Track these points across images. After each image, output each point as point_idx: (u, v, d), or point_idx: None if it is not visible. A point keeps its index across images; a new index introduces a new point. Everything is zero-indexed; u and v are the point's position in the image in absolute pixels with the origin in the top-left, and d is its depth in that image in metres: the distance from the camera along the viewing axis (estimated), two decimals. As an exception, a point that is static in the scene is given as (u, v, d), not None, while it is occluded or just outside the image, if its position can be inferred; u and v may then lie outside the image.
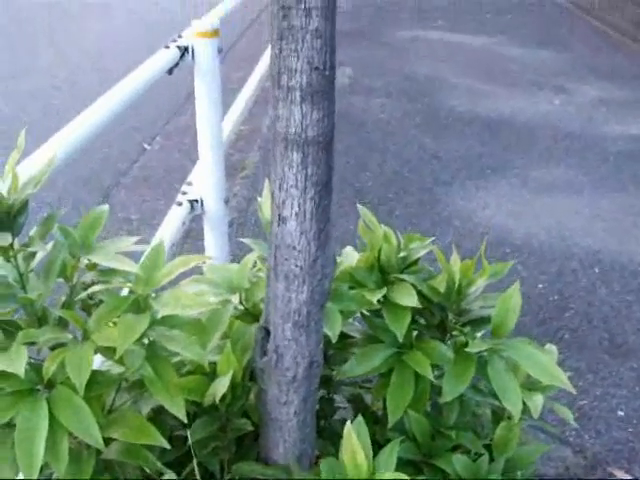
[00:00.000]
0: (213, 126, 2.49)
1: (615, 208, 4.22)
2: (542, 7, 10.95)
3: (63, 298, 1.42)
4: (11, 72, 7.68)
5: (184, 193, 2.66)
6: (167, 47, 2.31)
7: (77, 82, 7.16)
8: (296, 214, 1.22)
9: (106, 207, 1.49)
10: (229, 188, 4.15)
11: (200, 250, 3.07)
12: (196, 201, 2.60)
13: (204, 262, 1.61)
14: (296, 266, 1.27)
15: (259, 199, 1.63)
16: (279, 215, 1.24)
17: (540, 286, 3.39)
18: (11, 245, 1.28)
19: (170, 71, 2.30)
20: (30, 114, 6.14)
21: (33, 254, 1.37)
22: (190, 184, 2.71)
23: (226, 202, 2.69)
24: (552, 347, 1.72)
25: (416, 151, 4.85)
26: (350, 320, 1.63)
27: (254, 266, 1.68)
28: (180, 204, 2.59)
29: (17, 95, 6.83)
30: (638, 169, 4.79)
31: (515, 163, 4.73)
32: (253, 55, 7.15)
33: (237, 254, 3.31)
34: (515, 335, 1.49)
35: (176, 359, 1.41)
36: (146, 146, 5.29)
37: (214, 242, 2.74)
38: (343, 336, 1.57)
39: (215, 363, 1.41)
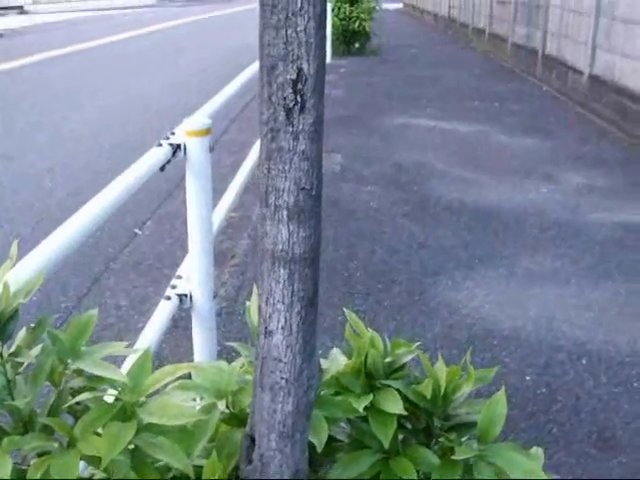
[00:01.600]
0: (203, 221, 2.52)
1: (602, 298, 4.24)
2: (528, 95, 11.22)
3: (51, 401, 1.43)
4: (6, 152, 7.78)
5: (173, 287, 2.67)
6: (160, 145, 2.36)
7: (70, 165, 7.26)
8: (282, 328, 1.24)
9: (95, 312, 1.51)
10: (218, 276, 4.18)
11: (188, 340, 3.06)
12: (185, 295, 2.62)
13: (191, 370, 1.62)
14: (282, 378, 1.28)
15: (247, 303, 1.65)
16: (265, 328, 1.26)
17: (528, 378, 3.39)
18: (0, 353, 1.30)
19: (162, 168, 2.34)
20: (22, 197, 6.20)
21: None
22: (179, 277, 2.73)
23: (215, 297, 2.70)
24: (539, 450, 1.72)
25: (405, 240, 4.91)
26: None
27: (242, 366, 1.69)
28: (169, 298, 2.60)
29: (10, 176, 6.92)
30: (623, 257, 4.83)
31: (503, 253, 4.78)
32: (245, 141, 7.28)
33: (225, 345, 3.32)
34: (503, 430, 1.50)
35: (161, 462, 1.41)
36: (137, 231, 5.33)
37: (202, 335, 2.75)
38: (329, 439, 1.57)
39: (201, 467, 1.41)
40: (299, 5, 1.08)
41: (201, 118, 2.41)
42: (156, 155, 2.30)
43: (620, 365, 3.56)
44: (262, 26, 1.11)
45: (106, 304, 4.21)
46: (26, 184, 6.61)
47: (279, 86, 1.10)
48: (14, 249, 1.36)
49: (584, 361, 3.58)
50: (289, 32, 1.08)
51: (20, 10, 46.98)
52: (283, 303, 1.23)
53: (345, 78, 12.42)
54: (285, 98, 1.10)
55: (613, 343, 3.75)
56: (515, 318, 3.92)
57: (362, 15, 15.51)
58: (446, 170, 6.71)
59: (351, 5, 15.55)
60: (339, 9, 15.43)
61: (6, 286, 1.28)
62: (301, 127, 1.12)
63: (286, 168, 1.14)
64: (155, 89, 12.00)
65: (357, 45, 16.03)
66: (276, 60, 1.10)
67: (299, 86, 1.10)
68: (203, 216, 2.50)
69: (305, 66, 1.09)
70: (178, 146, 2.38)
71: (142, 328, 3.25)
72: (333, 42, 14.67)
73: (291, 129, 1.12)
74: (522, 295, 4.22)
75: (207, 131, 2.38)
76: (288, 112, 1.11)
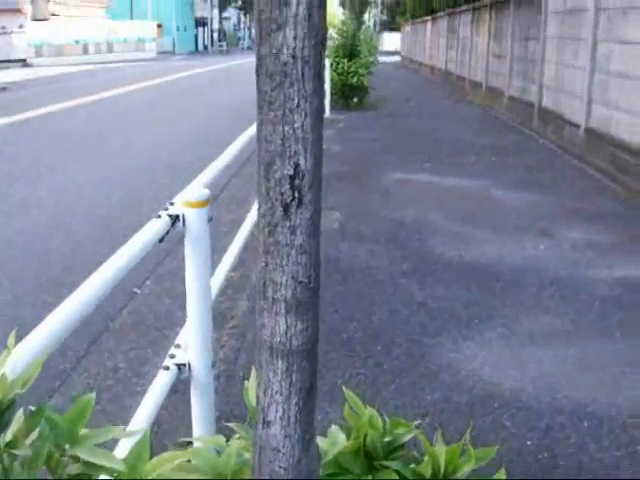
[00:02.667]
0: (201, 292, 2.53)
1: (603, 358, 4.23)
2: (525, 149, 11.31)
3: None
4: (6, 207, 7.82)
5: (172, 356, 2.67)
6: (159, 216, 2.37)
7: (71, 222, 7.29)
8: (280, 418, 1.24)
9: (92, 395, 1.50)
10: (218, 338, 4.16)
11: (186, 404, 3.03)
12: (183, 365, 2.61)
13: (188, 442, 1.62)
14: (280, 467, 1.28)
15: (246, 383, 1.65)
16: (264, 418, 1.26)
17: (529, 443, 3.36)
18: (-4, 443, 1.29)
19: (161, 239, 2.35)
20: (22, 254, 6.22)
21: (19, 449, 1.37)
22: (178, 346, 2.73)
23: (213, 365, 2.70)
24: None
25: (404, 300, 4.90)
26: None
27: (239, 442, 1.68)
28: (167, 368, 2.60)
29: (10, 233, 6.94)
30: (623, 315, 4.82)
31: (502, 312, 4.77)
32: (245, 198, 7.32)
33: (224, 410, 3.30)
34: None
35: None
36: (136, 290, 5.33)
37: (200, 403, 2.74)
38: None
39: None
40: (296, 102, 1.10)
41: (199, 189, 2.43)
42: (155, 227, 2.32)
43: (622, 427, 3.53)
44: (259, 122, 1.13)
45: (104, 366, 4.19)
46: (26, 241, 6.63)
47: (276, 182, 1.12)
48: (12, 339, 1.36)
49: (585, 423, 3.55)
50: (286, 129, 1.10)
51: (23, 63, 47.65)
52: (281, 394, 1.23)
53: (344, 133, 12.53)
54: (282, 193, 1.12)
55: (615, 404, 3.73)
56: (515, 379, 3.90)
57: (360, 70, 15.71)
58: (445, 227, 6.74)
59: (349, 60, 15.76)
60: (337, 64, 15.64)
61: (3, 378, 1.28)
62: (298, 222, 1.14)
63: (283, 262, 1.15)
64: (157, 144, 12.11)
65: (355, 99, 16.21)
66: (273, 156, 1.12)
67: (296, 182, 1.11)
68: (201, 287, 2.51)
69: (302, 162, 1.11)
70: (177, 217, 2.39)
71: (140, 392, 3.24)
72: (332, 96, 14.83)
73: (288, 224, 1.13)
74: (522, 355, 4.20)
75: (206, 202, 2.40)
76: (285, 207, 1.13)
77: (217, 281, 4.17)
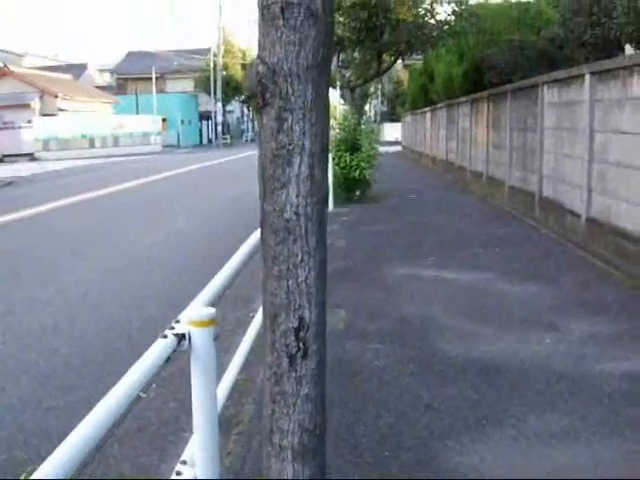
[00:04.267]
0: (208, 409, 2.53)
1: (614, 457, 4.17)
2: (528, 239, 11.38)
3: None
4: (10, 307, 7.86)
5: (178, 473, 2.65)
6: (165, 336, 2.40)
7: (76, 319, 7.31)
8: None
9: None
10: (224, 445, 4.13)
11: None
12: (191, 483, 2.59)
13: None
14: None
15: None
16: None
17: None
18: None
19: (167, 359, 2.38)
20: (26, 355, 6.23)
21: None
22: (184, 463, 2.71)
23: (221, 482, 2.67)
24: None
25: (411, 402, 4.87)
26: None
27: None
28: (175, 487, 2.58)
29: (14, 333, 6.96)
30: (632, 411, 4.77)
31: (510, 411, 4.73)
32: (249, 296, 7.35)
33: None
34: None
35: None
36: (141, 394, 5.31)
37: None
38: None
39: None
40: (300, 257, 1.14)
41: (205, 308, 2.46)
42: (162, 346, 2.34)
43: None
44: (265, 275, 1.17)
45: (109, 474, 4.16)
46: (30, 341, 6.65)
47: (282, 334, 1.16)
48: None
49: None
50: (290, 283, 1.14)
51: (31, 157, 48.48)
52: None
53: (347, 227, 12.64)
54: (288, 345, 1.15)
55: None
56: (527, 485, 3.85)
57: (362, 163, 15.93)
58: (450, 323, 6.74)
59: (351, 154, 16.01)
60: (340, 158, 15.88)
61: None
62: (304, 372, 1.16)
63: (290, 411, 1.17)
64: (161, 242, 12.21)
65: (358, 193, 16.40)
66: (278, 309, 1.15)
67: (301, 334, 1.15)
68: (208, 405, 2.51)
69: (307, 314, 1.15)
70: (183, 335, 2.42)
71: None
72: (334, 190, 15.00)
73: (294, 374, 1.16)
74: (532, 456, 4.15)
75: (211, 321, 2.42)
76: (291, 358, 1.15)
77: (224, 386, 4.16)
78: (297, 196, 1.12)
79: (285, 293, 1.11)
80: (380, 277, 8.65)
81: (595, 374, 5.44)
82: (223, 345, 5.55)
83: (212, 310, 2.48)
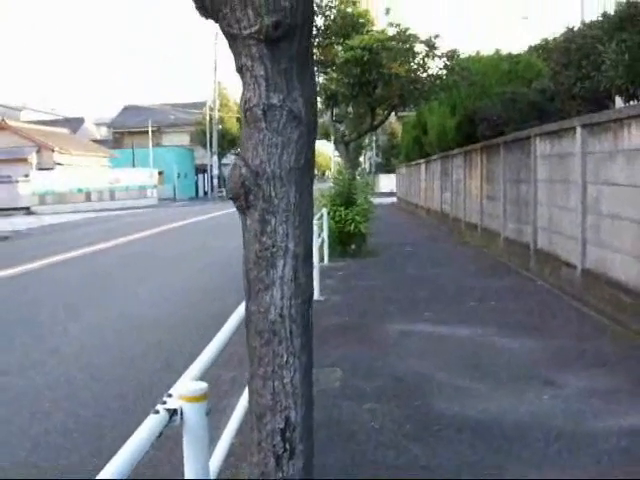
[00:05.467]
0: (201, 483, 2.50)
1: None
2: (524, 291, 11.39)
3: None
4: (3, 366, 7.80)
5: None
6: (157, 411, 2.38)
7: (71, 381, 7.26)
8: None
9: None
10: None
11: None
12: None
13: None
14: None
15: None
16: None
17: None
18: None
19: (160, 434, 2.35)
20: (19, 417, 6.17)
21: None
22: None
23: None
24: None
25: (408, 463, 4.81)
26: None
27: None
28: None
29: (7, 394, 6.90)
30: (632, 470, 4.72)
31: (510, 470, 4.69)
32: (246, 353, 7.30)
33: None
34: None
35: None
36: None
37: None
38: None
39: None
40: (285, 359, 1.15)
41: (197, 383, 2.44)
42: (154, 422, 2.32)
43: None
44: (250, 375, 1.17)
45: None
46: (24, 404, 6.59)
47: (268, 433, 1.15)
48: None
49: None
50: (276, 384, 1.14)
51: (27, 211, 48.61)
52: None
53: (343, 282, 12.63)
54: (274, 445, 1.14)
55: None
56: None
57: (357, 217, 15.97)
58: (446, 380, 6.69)
59: (346, 208, 16.05)
60: (335, 212, 15.92)
61: None
62: (291, 472, 1.16)
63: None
64: (154, 299, 12.18)
65: (354, 246, 16.39)
66: (264, 409, 1.15)
67: (287, 434, 1.14)
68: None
69: (293, 415, 1.15)
70: (174, 411, 2.40)
71: None
72: (330, 244, 15.02)
73: (281, 474, 1.15)
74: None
75: (203, 396, 2.41)
76: (278, 459, 1.15)
77: (220, 452, 4.11)
78: (281, 298, 1.12)
79: (271, 394, 1.11)
80: (376, 333, 8.61)
81: (593, 431, 5.40)
82: (219, 406, 5.51)
83: (204, 385, 2.46)
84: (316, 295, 10.52)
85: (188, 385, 2.43)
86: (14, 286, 14.11)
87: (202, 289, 12.95)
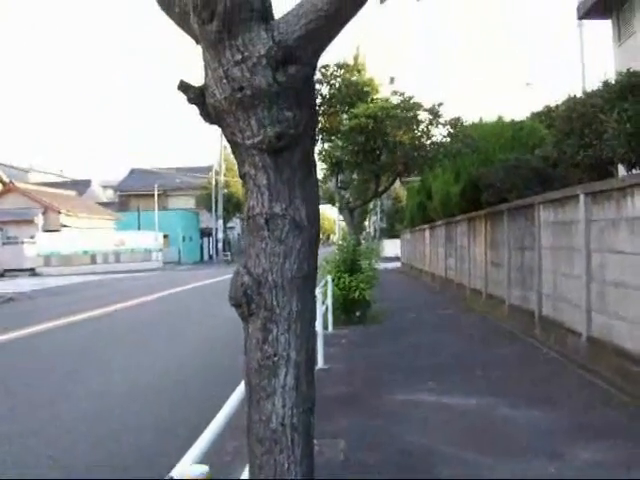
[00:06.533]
0: None
1: None
2: (529, 359, 11.29)
3: None
4: (4, 432, 7.75)
5: None
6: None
7: (70, 450, 7.19)
8: None
9: None
10: None
11: None
12: None
13: None
14: None
15: None
16: None
17: None
18: None
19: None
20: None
21: None
22: None
23: None
24: None
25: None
26: None
27: None
28: None
29: (8, 462, 6.84)
30: None
31: None
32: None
33: None
34: None
35: None
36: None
37: None
38: None
39: None
40: (286, 467, 1.14)
41: (198, 466, 2.41)
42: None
43: None
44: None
45: None
46: (24, 472, 6.53)
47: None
48: None
49: None
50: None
51: (32, 272, 48.81)
52: None
53: (346, 350, 12.54)
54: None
55: None
56: None
57: (361, 285, 15.92)
58: (451, 452, 6.60)
59: (350, 275, 16.01)
60: (339, 279, 15.84)
61: None
62: None
63: None
64: (157, 368, 12.11)
65: (358, 314, 16.27)
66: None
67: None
68: None
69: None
70: (175, 492, 2.36)
71: None
72: (334, 312, 14.92)
73: None
74: None
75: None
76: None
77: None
78: (283, 407, 1.12)
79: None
80: (380, 404, 8.52)
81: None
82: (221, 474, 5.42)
83: (205, 468, 2.43)
84: (320, 363, 10.45)
85: (189, 469, 2.40)
86: (15, 351, 14.06)
87: (207, 362, 12.88)
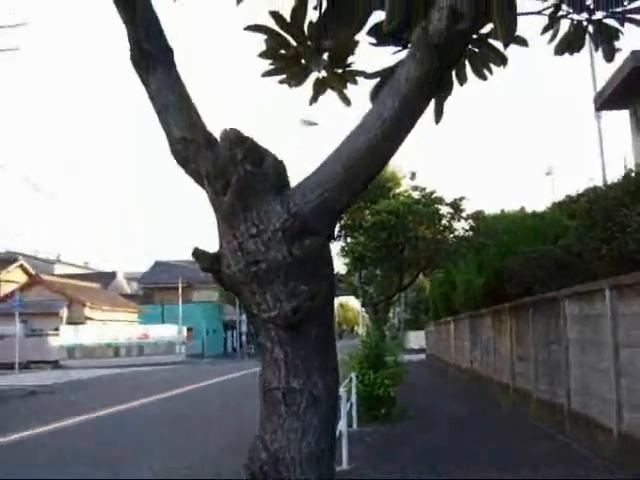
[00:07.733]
0: None
1: None
2: (558, 457, 11.04)
3: None
4: None
5: None
6: None
7: None
8: None
9: None
10: None
11: None
12: None
13: None
14: None
15: None
16: None
17: None
18: None
19: None
20: None
21: None
22: None
23: None
24: None
25: None
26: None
27: None
28: None
29: None
30: None
31: None
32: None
33: None
34: None
35: None
36: None
37: None
38: None
39: None
40: None
41: None
42: None
43: None
44: None
45: None
46: None
47: None
48: None
49: None
50: None
51: (55, 364, 48.66)
52: None
53: (371, 449, 12.24)
54: None
55: None
56: None
57: (386, 381, 15.61)
58: None
59: (375, 372, 15.72)
60: (363, 375, 15.54)
61: None
62: None
63: None
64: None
65: (383, 411, 15.85)
66: None
67: None
68: None
69: None
70: None
71: None
72: (358, 408, 14.56)
73: None
74: None
75: None
76: None
77: None
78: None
79: None
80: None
81: None
82: None
83: None
84: (344, 464, 10.22)
85: None
86: (36, 447, 13.92)
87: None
